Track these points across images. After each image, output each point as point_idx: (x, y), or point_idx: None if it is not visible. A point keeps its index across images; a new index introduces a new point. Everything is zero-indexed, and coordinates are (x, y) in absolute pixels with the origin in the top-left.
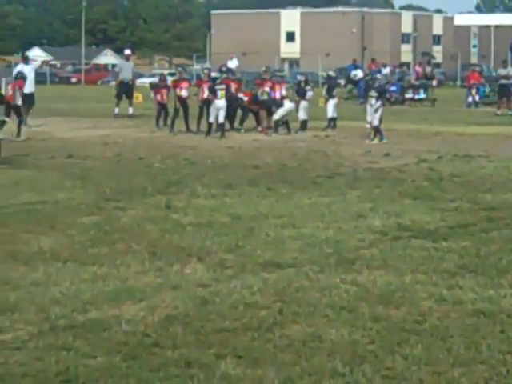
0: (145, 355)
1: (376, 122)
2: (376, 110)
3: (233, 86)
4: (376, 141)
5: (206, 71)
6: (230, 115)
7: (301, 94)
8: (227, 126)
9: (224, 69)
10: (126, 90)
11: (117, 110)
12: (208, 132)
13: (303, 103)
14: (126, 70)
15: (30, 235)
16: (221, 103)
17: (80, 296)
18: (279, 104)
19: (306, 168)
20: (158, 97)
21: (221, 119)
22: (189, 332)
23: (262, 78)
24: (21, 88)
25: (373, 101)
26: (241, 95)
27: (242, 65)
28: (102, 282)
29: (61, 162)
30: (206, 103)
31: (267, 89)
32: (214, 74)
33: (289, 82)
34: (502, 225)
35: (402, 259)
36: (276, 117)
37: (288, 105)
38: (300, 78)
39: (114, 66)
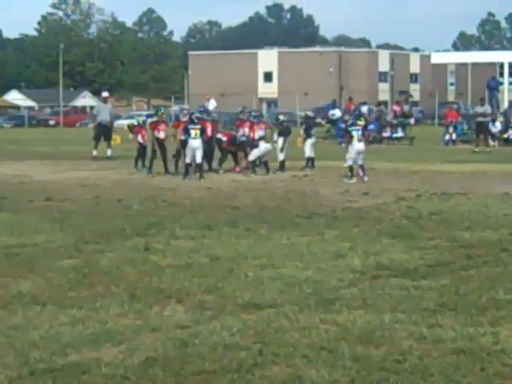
0: None
1: (360, 162)
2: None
3: (209, 127)
4: (354, 180)
5: (184, 112)
6: (208, 156)
7: (284, 134)
8: (205, 167)
9: (202, 109)
10: (104, 132)
11: (95, 153)
12: (186, 173)
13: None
14: (104, 112)
15: (8, 279)
16: (196, 143)
17: (59, 339)
18: (254, 145)
19: (285, 208)
20: (140, 138)
21: (198, 159)
22: (168, 374)
23: (241, 119)
24: None
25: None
26: (220, 136)
27: (220, 105)
28: (82, 324)
29: (39, 205)
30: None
31: (243, 132)
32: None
33: (267, 122)
34: (481, 262)
35: (381, 298)
36: (251, 158)
37: (263, 146)
38: (283, 117)
39: (92, 108)
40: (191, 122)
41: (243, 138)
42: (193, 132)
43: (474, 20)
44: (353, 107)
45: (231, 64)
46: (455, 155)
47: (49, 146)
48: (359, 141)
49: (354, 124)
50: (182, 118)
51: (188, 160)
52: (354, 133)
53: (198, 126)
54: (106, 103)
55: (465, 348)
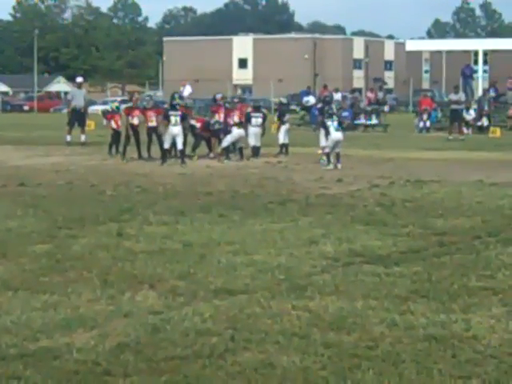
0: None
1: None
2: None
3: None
4: (331, 166)
5: (147, 98)
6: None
7: (247, 120)
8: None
9: (177, 95)
10: (78, 117)
11: (68, 138)
12: (163, 159)
13: (252, 130)
14: (78, 98)
15: None
16: (176, 130)
17: (31, 324)
18: (227, 131)
19: (258, 194)
20: (113, 123)
21: (179, 146)
22: (140, 360)
23: (216, 105)
24: None
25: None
26: (193, 122)
27: (195, 92)
28: (54, 310)
29: (12, 190)
30: (152, 131)
31: (219, 118)
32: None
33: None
34: (454, 249)
35: (353, 285)
36: (224, 144)
37: (236, 132)
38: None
39: (66, 93)
40: (171, 108)
41: (217, 126)
42: (173, 118)
43: (449, 8)
44: (325, 93)
45: (206, 50)
46: (429, 143)
47: (22, 132)
48: (336, 130)
49: (330, 116)
50: (147, 105)
51: (167, 146)
52: (330, 123)
53: (178, 113)
54: (80, 89)
55: (436, 335)
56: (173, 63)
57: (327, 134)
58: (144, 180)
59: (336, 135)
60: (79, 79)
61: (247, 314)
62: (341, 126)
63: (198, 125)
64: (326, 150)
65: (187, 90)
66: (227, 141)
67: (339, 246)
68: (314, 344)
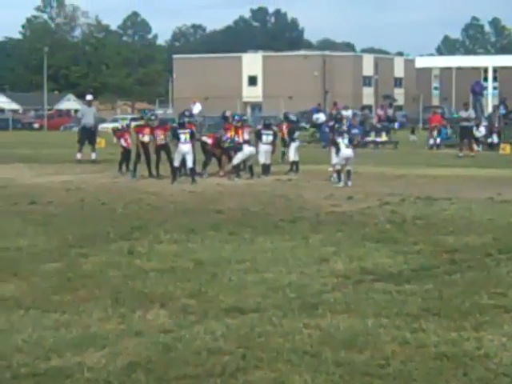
0: None
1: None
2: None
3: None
4: (341, 184)
5: (153, 117)
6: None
7: (258, 138)
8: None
9: (187, 113)
10: (88, 135)
11: (79, 156)
12: (173, 177)
13: (263, 147)
14: (88, 116)
15: None
16: (185, 148)
17: (42, 343)
18: (239, 148)
19: (269, 212)
20: (123, 141)
21: (189, 164)
22: (151, 379)
23: (228, 122)
24: None
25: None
26: (204, 138)
27: (204, 109)
28: (65, 329)
29: (23, 209)
30: (160, 149)
31: (230, 136)
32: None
33: (251, 126)
34: (465, 267)
35: (364, 303)
36: (235, 161)
37: (247, 149)
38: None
39: (76, 111)
40: (180, 126)
41: (227, 144)
42: (182, 136)
43: (458, 24)
44: (334, 111)
45: (216, 68)
46: (439, 160)
47: (33, 150)
48: (347, 147)
49: (340, 133)
50: (153, 124)
51: (176, 164)
52: (340, 140)
53: (188, 130)
54: (90, 106)
55: (448, 353)
56: (182, 81)
57: (337, 151)
58: (154, 198)
59: (346, 152)
60: (89, 97)
61: (258, 332)
62: (351, 143)
63: (210, 141)
64: (337, 167)
65: (197, 108)
66: (238, 158)
67: (350, 264)
68: (325, 362)
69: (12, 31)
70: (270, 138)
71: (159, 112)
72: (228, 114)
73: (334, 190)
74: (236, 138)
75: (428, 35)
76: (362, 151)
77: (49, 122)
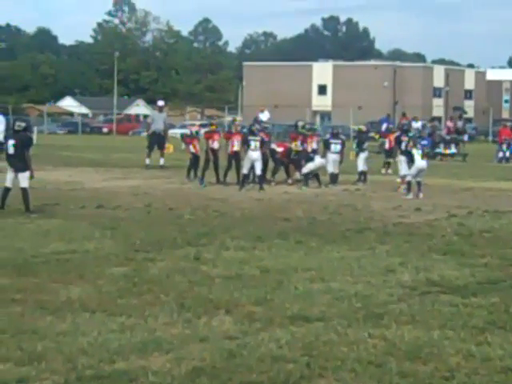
0: None
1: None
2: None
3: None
4: (410, 196)
5: (237, 124)
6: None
7: (326, 147)
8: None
9: (259, 120)
10: (157, 140)
11: (148, 161)
12: (242, 184)
13: (332, 156)
14: (158, 121)
15: (58, 285)
16: (255, 155)
17: (107, 346)
18: (309, 158)
19: (336, 222)
20: (192, 148)
21: (258, 171)
22: None
23: (296, 132)
24: None
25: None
26: (274, 146)
27: (274, 117)
28: (130, 332)
29: (91, 212)
30: (235, 156)
31: (297, 145)
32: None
33: (320, 135)
34: None
35: (430, 314)
36: (305, 170)
37: (318, 160)
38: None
39: (146, 116)
40: (251, 133)
41: (293, 155)
42: (253, 144)
43: None
44: (404, 122)
45: (285, 76)
46: (508, 173)
47: (101, 154)
48: (422, 158)
49: (415, 145)
50: (234, 130)
51: (245, 171)
52: (415, 151)
53: (258, 138)
54: (161, 112)
55: None
56: (252, 88)
57: (411, 162)
58: (222, 205)
59: (421, 163)
60: (160, 103)
61: (323, 341)
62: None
63: (280, 149)
64: (408, 179)
65: (265, 115)
66: (309, 168)
67: (416, 275)
68: (389, 373)
69: (83, 35)
70: (339, 147)
71: (228, 119)
72: (300, 123)
73: (402, 201)
74: (304, 145)
75: (500, 47)
76: (430, 163)
77: (118, 126)
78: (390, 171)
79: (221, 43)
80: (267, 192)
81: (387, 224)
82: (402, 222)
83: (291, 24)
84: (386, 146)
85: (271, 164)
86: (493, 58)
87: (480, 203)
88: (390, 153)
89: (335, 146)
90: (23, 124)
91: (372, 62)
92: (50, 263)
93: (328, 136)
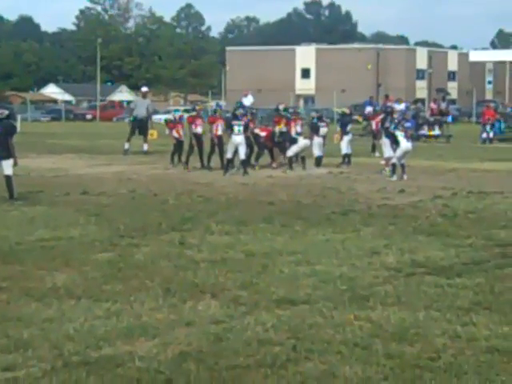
0: None
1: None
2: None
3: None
4: (395, 178)
5: (218, 108)
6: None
7: (314, 130)
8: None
9: (239, 105)
10: (139, 126)
11: (127, 146)
12: (226, 169)
13: (317, 140)
14: (141, 107)
15: (43, 272)
16: (238, 139)
17: (93, 332)
18: (293, 140)
19: (321, 205)
20: (175, 133)
21: (242, 156)
22: (202, 369)
23: (279, 115)
24: None
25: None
26: (257, 131)
27: (257, 101)
28: (116, 318)
29: (75, 199)
30: (219, 140)
31: (283, 128)
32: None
33: (304, 119)
34: None
35: (415, 296)
36: (289, 153)
37: (302, 142)
38: (314, 114)
39: (129, 102)
40: (234, 117)
41: (277, 138)
42: (236, 128)
43: None
44: (387, 104)
45: (269, 60)
46: (492, 154)
47: (85, 140)
48: (407, 140)
49: (397, 127)
50: (217, 115)
51: (229, 155)
52: (399, 133)
53: (241, 122)
54: (144, 98)
55: (499, 347)
56: (235, 73)
57: (396, 144)
58: (206, 189)
59: (407, 145)
60: (144, 89)
61: (309, 324)
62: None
63: (263, 134)
64: (393, 161)
65: (248, 100)
66: (293, 151)
67: (401, 257)
68: (375, 354)
69: (66, 22)
70: (325, 129)
71: (211, 104)
72: (281, 107)
73: (386, 183)
74: (287, 128)
75: (482, 29)
76: (415, 145)
77: (101, 113)
78: (377, 154)
79: (203, 28)
80: (251, 176)
81: (371, 206)
82: (387, 204)
83: (274, 8)
84: (374, 127)
85: (256, 149)
86: (476, 39)
87: (464, 184)
88: (377, 135)
89: (323, 130)
90: (6, 112)
91: (355, 45)
92: (35, 250)
93: (315, 119)
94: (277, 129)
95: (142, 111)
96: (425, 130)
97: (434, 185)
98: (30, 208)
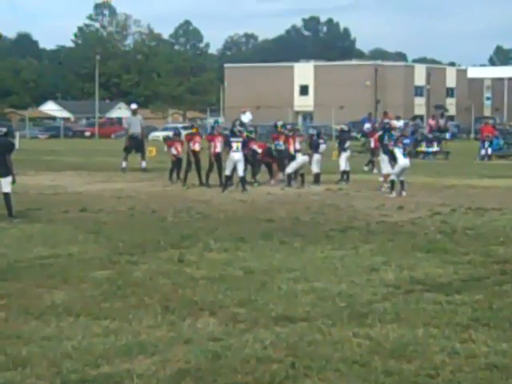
0: None
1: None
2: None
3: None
4: (393, 194)
5: (216, 126)
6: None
7: (314, 147)
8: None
9: (237, 122)
10: (136, 144)
11: (124, 164)
12: (224, 186)
13: (316, 156)
14: (135, 125)
15: (42, 289)
16: (237, 156)
17: (92, 350)
18: (292, 157)
19: (319, 221)
20: (173, 150)
21: (240, 172)
22: None
23: (277, 132)
24: None
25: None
26: (255, 147)
27: (256, 118)
28: (114, 336)
29: (74, 216)
30: (217, 158)
31: (281, 145)
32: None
33: (303, 135)
34: None
35: (414, 313)
36: (288, 170)
37: (301, 158)
38: (312, 131)
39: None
40: (233, 135)
41: (281, 148)
42: (234, 145)
43: (511, 35)
44: (386, 120)
45: (267, 77)
46: (491, 170)
47: (84, 157)
48: (405, 156)
49: (396, 143)
50: (216, 132)
51: (228, 172)
52: (397, 150)
53: (240, 139)
54: (135, 115)
55: (498, 363)
56: (234, 90)
57: (394, 161)
58: (205, 206)
59: (404, 162)
60: (133, 106)
61: (308, 341)
62: (404, 154)
63: (260, 150)
64: (392, 177)
65: (247, 117)
66: (292, 167)
67: (400, 274)
68: (374, 372)
69: (64, 40)
70: (324, 146)
71: (210, 121)
72: (279, 123)
73: (385, 200)
74: (285, 145)
75: (481, 45)
76: (413, 161)
77: (100, 130)
78: (375, 171)
79: (202, 45)
80: (250, 193)
81: (370, 223)
82: (385, 221)
83: (272, 25)
84: (372, 144)
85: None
86: (474, 56)
87: (463, 201)
88: (375, 151)
89: (322, 146)
90: (4, 129)
91: (353, 62)
92: (34, 268)
93: (315, 136)
94: (273, 146)
95: (137, 128)
96: (423, 147)
97: (433, 201)
98: (29, 225)
